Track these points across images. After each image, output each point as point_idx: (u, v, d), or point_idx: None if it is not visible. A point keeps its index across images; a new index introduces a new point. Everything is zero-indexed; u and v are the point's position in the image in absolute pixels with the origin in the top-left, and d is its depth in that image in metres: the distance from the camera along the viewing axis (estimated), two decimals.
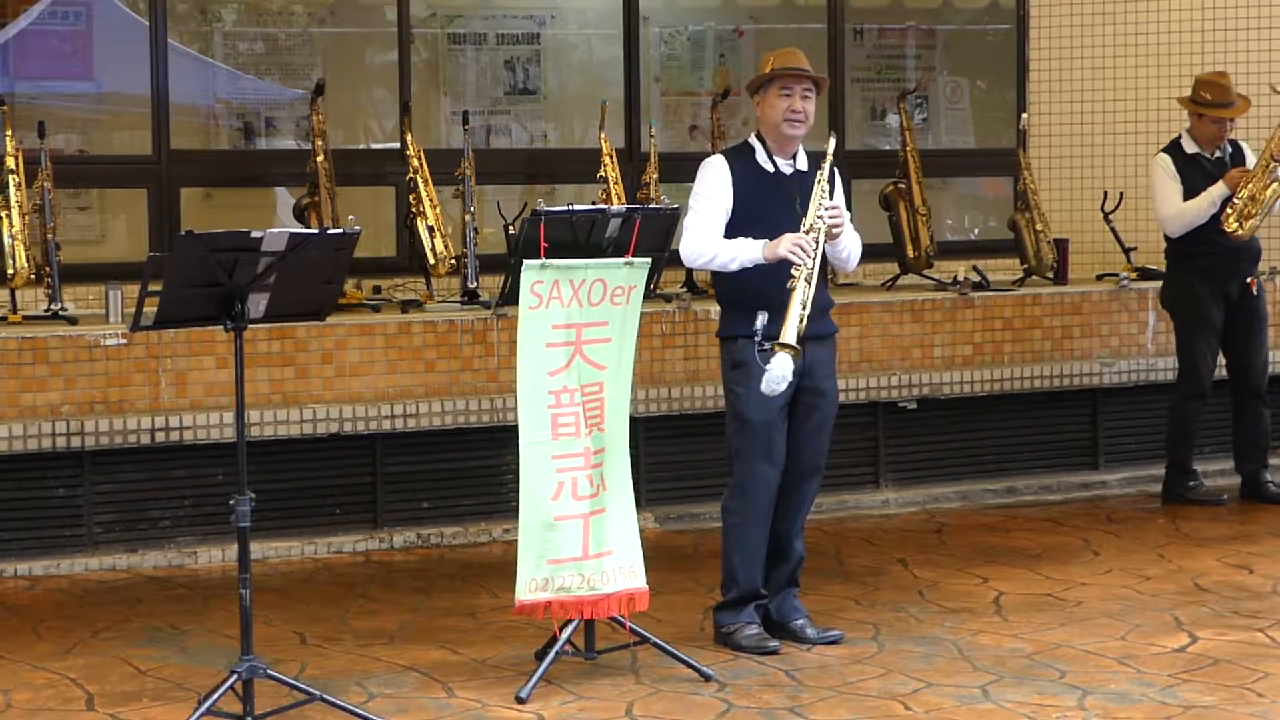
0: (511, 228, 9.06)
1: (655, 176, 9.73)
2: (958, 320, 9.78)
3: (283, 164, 9.95)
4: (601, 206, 7.99)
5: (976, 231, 11.75)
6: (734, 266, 6.68)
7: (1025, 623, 7.17)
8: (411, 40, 10.22)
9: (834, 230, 6.60)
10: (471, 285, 9.08)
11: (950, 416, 9.79)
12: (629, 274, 6.38)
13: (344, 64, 10.39)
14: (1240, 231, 9.17)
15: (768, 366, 6.31)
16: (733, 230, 6.73)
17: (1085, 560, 8.32)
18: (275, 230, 5.66)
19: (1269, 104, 9.54)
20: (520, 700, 6.12)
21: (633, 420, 6.66)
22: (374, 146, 10.38)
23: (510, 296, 6.34)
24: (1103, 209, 10.54)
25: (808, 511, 6.98)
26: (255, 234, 5.60)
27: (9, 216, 8.45)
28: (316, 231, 5.99)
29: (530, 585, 6.27)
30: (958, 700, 6.15)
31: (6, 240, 8.43)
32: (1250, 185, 9.14)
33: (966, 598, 7.59)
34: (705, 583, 7.62)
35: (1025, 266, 10.26)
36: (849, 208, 6.88)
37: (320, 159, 9.15)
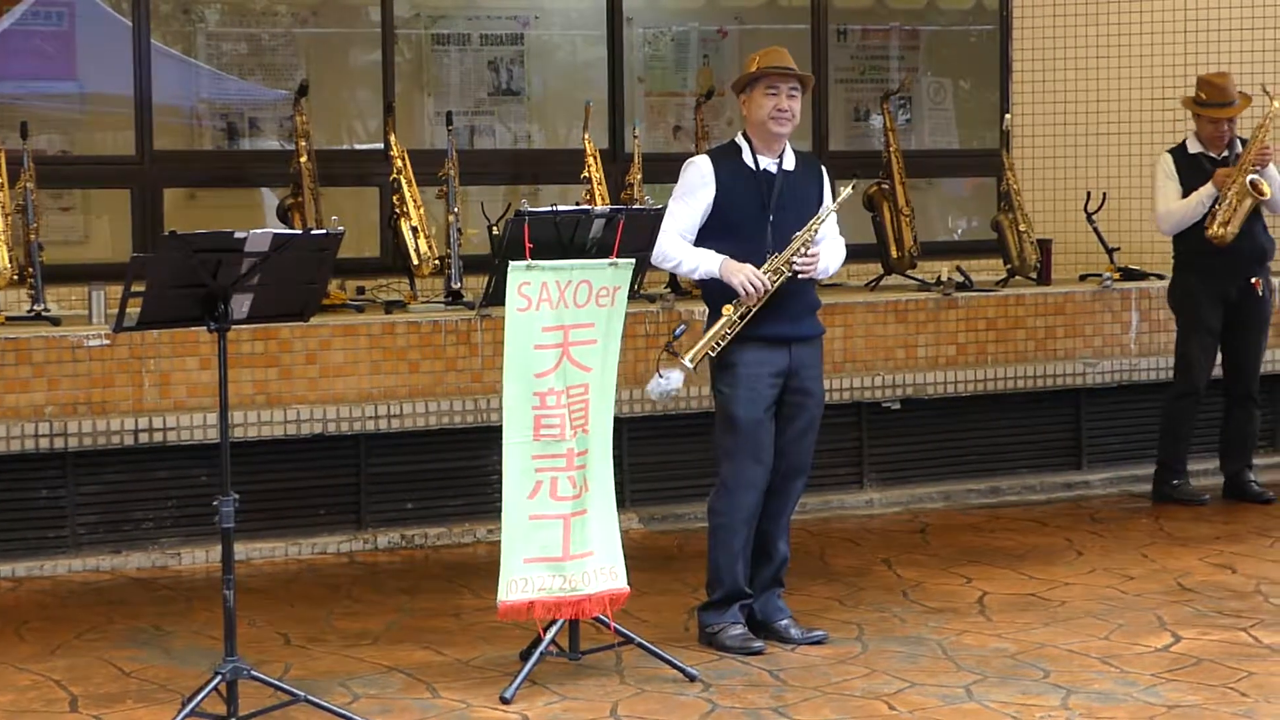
0: (495, 228, 9.05)
1: (639, 177, 9.72)
2: (941, 321, 9.79)
3: (266, 164, 9.93)
4: (585, 207, 8.00)
5: (960, 232, 11.76)
6: (695, 275, 6.80)
7: (1009, 623, 7.17)
8: (395, 41, 10.21)
9: (800, 276, 6.68)
10: (455, 286, 9.07)
11: (934, 417, 9.80)
12: (614, 275, 6.37)
13: (327, 64, 10.38)
14: (1223, 235, 9.19)
15: (661, 373, 6.49)
16: (714, 229, 6.76)
17: (1069, 560, 8.33)
18: (259, 231, 5.66)
19: (1260, 104, 9.53)
20: (505, 701, 6.12)
21: (617, 421, 6.66)
22: (358, 147, 10.37)
23: (494, 297, 6.34)
24: (1086, 209, 10.55)
25: (792, 512, 6.99)
26: (239, 235, 5.60)
27: None
28: (300, 232, 5.98)
29: (510, 586, 6.27)
30: (942, 700, 6.16)
31: None
32: (1233, 190, 9.16)
33: (950, 598, 7.60)
34: (690, 583, 7.63)
35: (1009, 267, 10.27)
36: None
37: (304, 159, 9.14)
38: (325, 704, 5.91)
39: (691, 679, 6.37)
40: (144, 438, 8.21)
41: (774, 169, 6.82)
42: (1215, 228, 9.19)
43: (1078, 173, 11.16)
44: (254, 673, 5.83)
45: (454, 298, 9.07)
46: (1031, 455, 10.07)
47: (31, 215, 8.58)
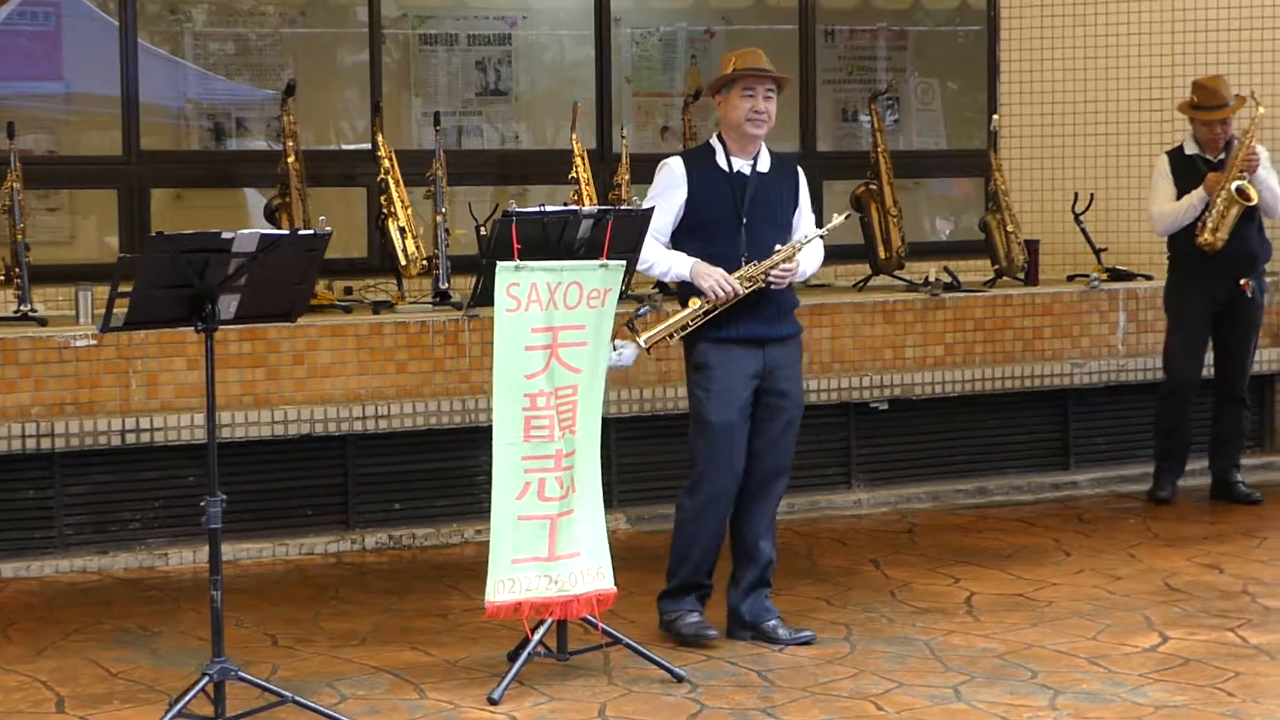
0: (483, 229, 9.05)
1: (627, 178, 9.72)
2: (929, 321, 9.80)
3: (253, 165, 9.92)
4: (573, 208, 7.98)
5: (947, 232, 11.77)
6: (668, 277, 6.83)
7: (997, 623, 7.18)
8: (382, 41, 10.20)
9: (773, 287, 6.71)
10: (443, 286, 9.07)
11: (922, 417, 9.80)
12: (604, 276, 6.37)
13: (315, 65, 10.37)
14: (1213, 242, 9.21)
15: (615, 345, 6.51)
16: (687, 230, 6.78)
17: (1056, 560, 8.34)
18: (246, 231, 5.65)
19: (1246, 110, 9.53)
20: (492, 701, 6.12)
21: (605, 421, 6.65)
22: (345, 147, 10.35)
23: (482, 297, 6.33)
24: (1073, 210, 10.56)
25: (775, 512, 6.99)
26: (226, 235, 5.59)
27: None
28: (287, 232, 5.97)
29: (498, 586, 6.26)
30: (929, 700, 6.16)
31: None
32: (1220, 198, 9.18)
33: (938, 598, 7.60)
34: None
35: (996, 267, 10.28)
36: (819, 220, 6.95)
37: (291, 160, 9.13)
38: (313, 705, 5.90)
39: (679, 679, 6.37)
40: (131, 438, 8.20)
41: (748, 170, 6.82)
42: (1205, 235, 9.22)
43: (1065, 173, 11.17)
44: (241, 673, 5.82)
45: (441, 298, 9.06)
46: (1019, 456, 10.08)
47: (18, 215, 8.57)
